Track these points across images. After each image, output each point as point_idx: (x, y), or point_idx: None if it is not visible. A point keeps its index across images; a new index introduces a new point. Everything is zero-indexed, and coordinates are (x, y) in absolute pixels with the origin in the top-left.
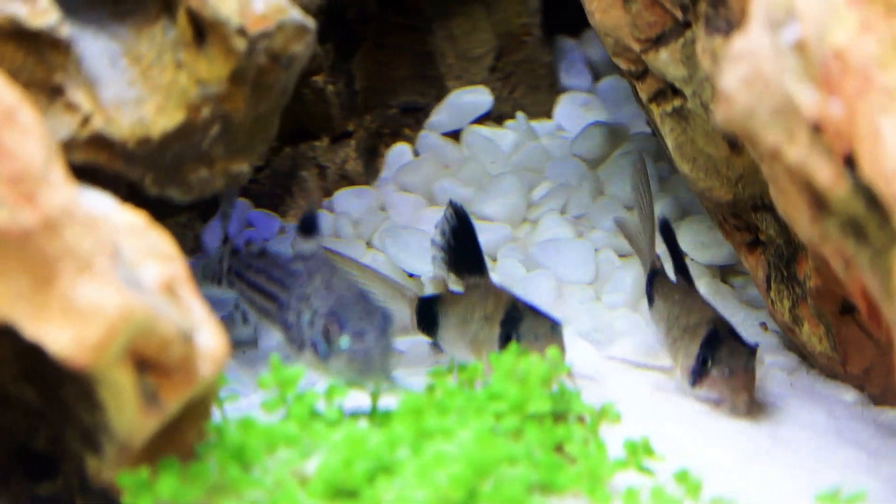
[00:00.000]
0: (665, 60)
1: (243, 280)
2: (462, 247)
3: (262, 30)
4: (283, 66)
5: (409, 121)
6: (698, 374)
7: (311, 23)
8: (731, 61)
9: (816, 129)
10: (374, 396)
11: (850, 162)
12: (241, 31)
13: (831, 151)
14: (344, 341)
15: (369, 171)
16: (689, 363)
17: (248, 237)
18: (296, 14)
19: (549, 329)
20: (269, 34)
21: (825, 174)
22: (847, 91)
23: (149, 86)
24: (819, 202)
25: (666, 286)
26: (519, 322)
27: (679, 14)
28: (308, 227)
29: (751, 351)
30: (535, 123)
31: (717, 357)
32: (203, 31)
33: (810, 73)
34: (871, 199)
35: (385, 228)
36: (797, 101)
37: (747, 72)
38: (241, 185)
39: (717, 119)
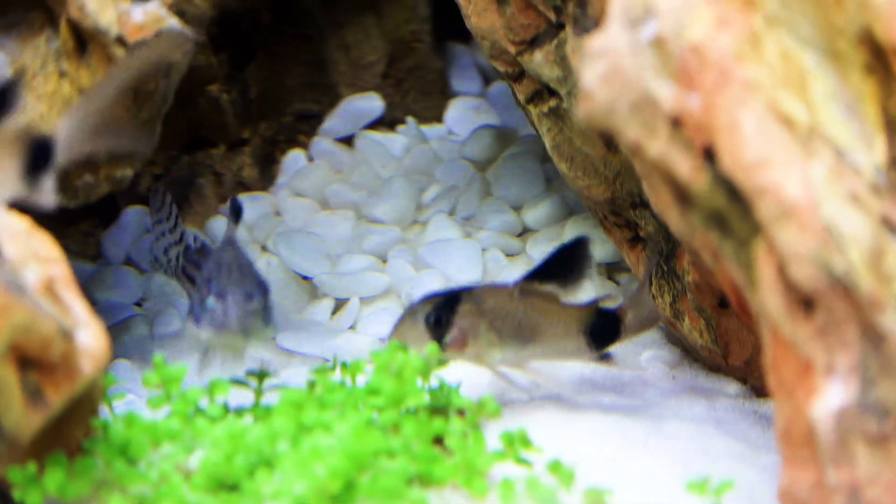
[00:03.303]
0: (540, 62)
1: (185, 274)
2: None
3: (140, 39)
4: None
5: (304, 127)
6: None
7: (189, 32)
8: (590, 58)
9: (676, 123)
10: (258, 393)
11: (709, 155)
12: (120, 40)
13: (691, 145)
14: (209, 301)
15: (265, 177)
16: None
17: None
18: (174, 23)
19: None
20: (148, 43)
21: (685, 167)
22: (705, 85)
23: (33, 95)
24: (683, 196)
25: None
26: None
27: (552, 16)
28: (235, 211)
29: None
30: (425, 128)
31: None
32: (84, 41)
33: (668, 68)
34: (731, 191)
35: (279, 232)
36: (656, 95)
37: (606, 68)
38: (122, 189)
39: (580, 115)
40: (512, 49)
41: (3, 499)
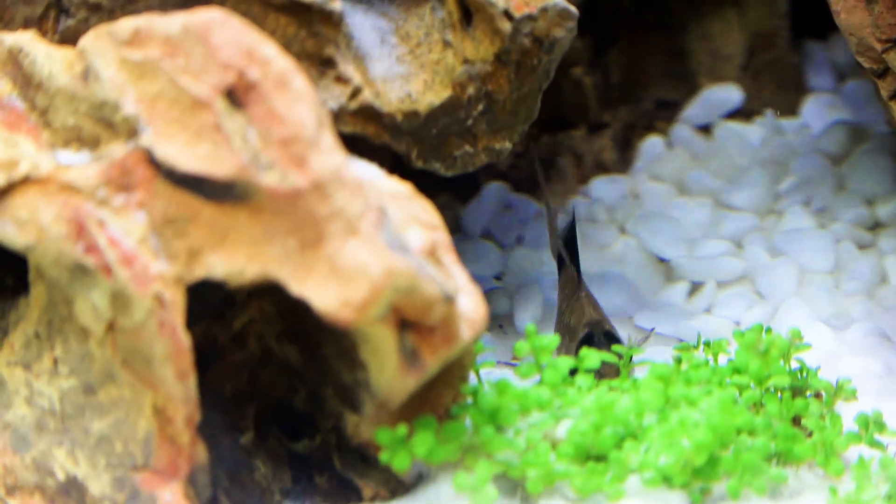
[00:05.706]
0: None
1: None
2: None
3: (526, 13)
4: (546, 49)
5: (662, 114)
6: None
7: (574, 9)
8: None
9: None
10: (625, 366)
11: None
12: (507, 14)
13: None
14: None
15: (623, 160)
16: None
17: None
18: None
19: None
20: (534, 18)
21: None
22: None
23: (416, 63)
24: None
25: (565, 275)
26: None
27: None
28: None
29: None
30: (781, 121)
31: None
32: (470, 13)
33: None
34: None
35: (638, 215)
36: None
37: None
38: (498, 162)
39: None
40: (878, 46)
41: (364, 461)
